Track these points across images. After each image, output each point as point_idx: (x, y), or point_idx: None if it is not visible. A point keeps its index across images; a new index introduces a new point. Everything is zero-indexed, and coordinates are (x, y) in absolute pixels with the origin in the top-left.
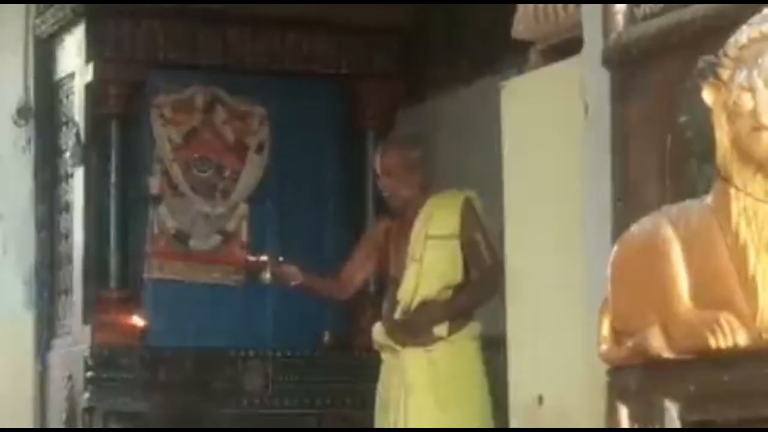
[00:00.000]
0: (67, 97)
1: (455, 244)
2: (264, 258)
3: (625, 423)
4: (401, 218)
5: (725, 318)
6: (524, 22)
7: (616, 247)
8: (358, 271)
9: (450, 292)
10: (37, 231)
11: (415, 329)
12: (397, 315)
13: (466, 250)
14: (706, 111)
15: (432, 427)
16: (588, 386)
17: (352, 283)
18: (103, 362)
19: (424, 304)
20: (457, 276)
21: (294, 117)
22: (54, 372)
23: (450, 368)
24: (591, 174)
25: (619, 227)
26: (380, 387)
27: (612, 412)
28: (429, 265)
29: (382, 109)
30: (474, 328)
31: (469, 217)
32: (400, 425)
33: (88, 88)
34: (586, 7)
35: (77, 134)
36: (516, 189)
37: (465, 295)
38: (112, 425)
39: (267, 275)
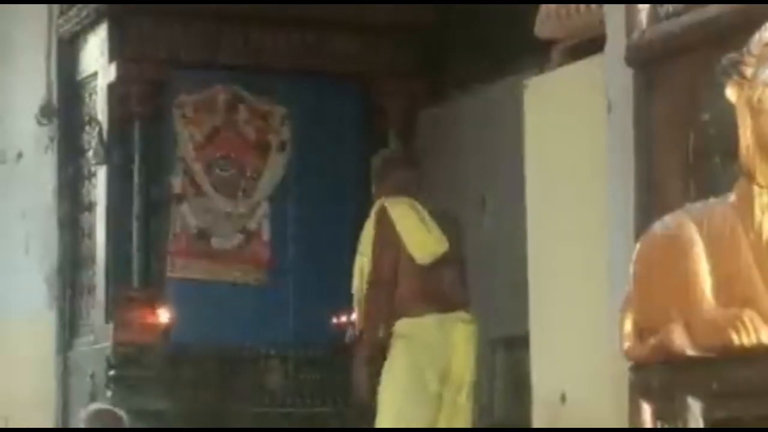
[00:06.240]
0: (90, 96)
1: (360, 260)
2: (351, 319)
3: (648, 421)
4: None
5: (748, 315)
6: (547, 21)
7: (639, 245)
8: None
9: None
10: (59, 230)
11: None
12: None
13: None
14: (730, 108)
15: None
16: (611, 384)
17: None
18: (126, 361)
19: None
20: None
21: (315, 116)
22: (76, 370)
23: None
24: (614, 172)
25: (642, 225)
26: None
27: (635, 409)
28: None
29: (403, 108)
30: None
31: (370, 229)
32: None
33: (111, 87)
34: (609, 6)
35: (100, 133)
36: (538, 188)
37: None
38: (134, 424)
39: (353, 333)
